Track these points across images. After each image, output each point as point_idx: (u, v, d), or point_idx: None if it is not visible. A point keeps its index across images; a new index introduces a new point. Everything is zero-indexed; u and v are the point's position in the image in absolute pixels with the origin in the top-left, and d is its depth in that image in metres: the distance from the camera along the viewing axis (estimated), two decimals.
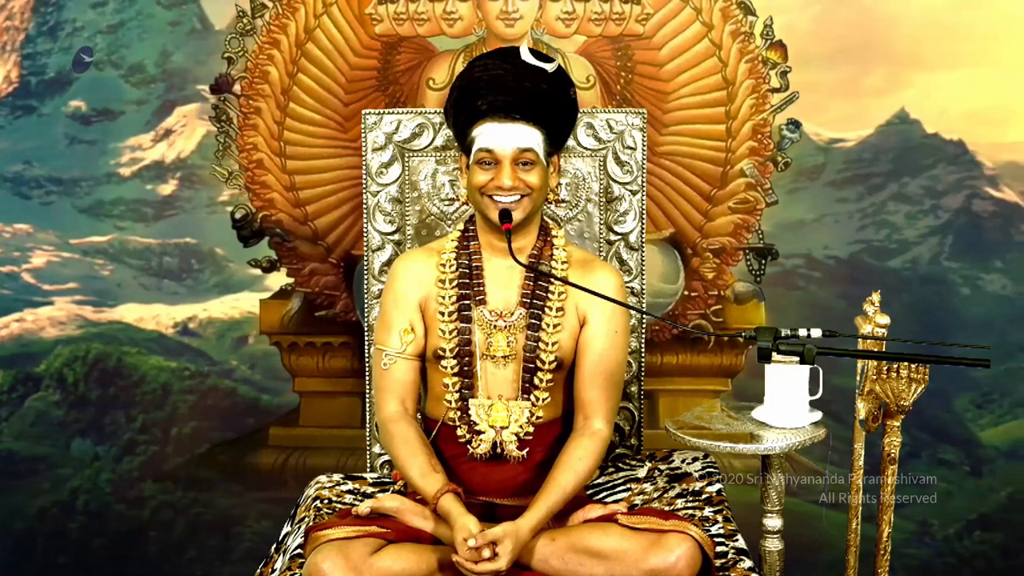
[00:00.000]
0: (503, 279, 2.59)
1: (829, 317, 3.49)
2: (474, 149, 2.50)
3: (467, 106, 2.50)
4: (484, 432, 2.54)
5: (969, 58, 3.46)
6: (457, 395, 2.56)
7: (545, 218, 2.64)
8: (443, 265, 2.59)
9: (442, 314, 2.56)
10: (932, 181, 3.55)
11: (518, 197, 2.49)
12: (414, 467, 2.46)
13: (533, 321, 2.56)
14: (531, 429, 2.55)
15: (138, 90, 3.60)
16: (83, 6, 3.59)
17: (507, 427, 2.54)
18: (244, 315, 3.64)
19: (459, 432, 2.56)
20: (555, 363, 2.55)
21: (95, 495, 3.68)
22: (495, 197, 2.49)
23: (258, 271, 3.59)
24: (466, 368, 2.56)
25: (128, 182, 3.62)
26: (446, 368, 2.56)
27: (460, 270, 2.59)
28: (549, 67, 2.52)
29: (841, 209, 3.55)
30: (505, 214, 2.48)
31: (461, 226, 2.65)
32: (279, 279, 3.59)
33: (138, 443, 3.67)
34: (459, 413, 2.56)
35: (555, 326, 2.55)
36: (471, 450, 2.55)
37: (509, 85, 2.48)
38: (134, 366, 3.66)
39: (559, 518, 2.50)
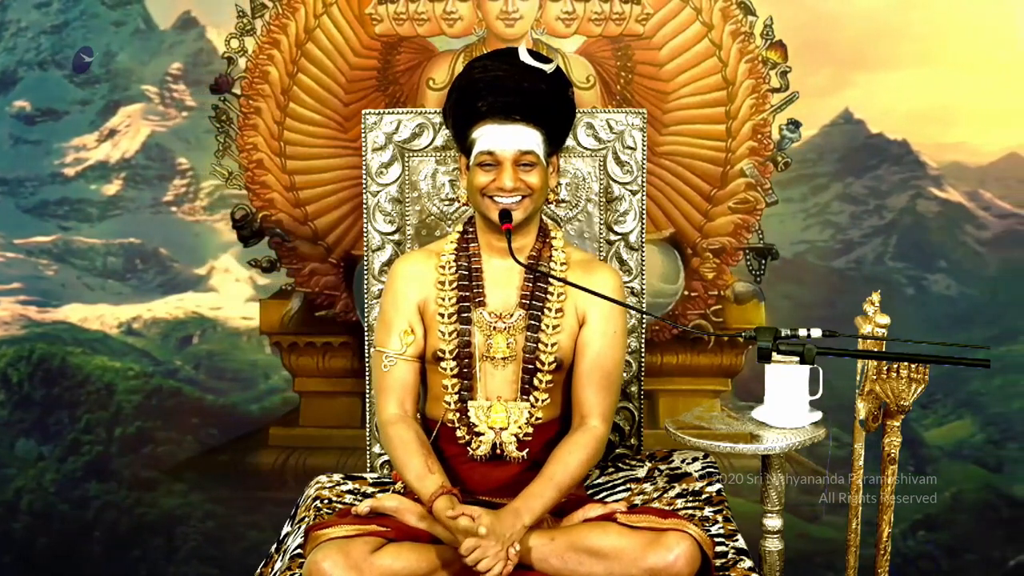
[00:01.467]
0: (502, 280, 2.59)
1: (775, 319, 3.52)
2: (475, 151, 2.50)
3: (467, 107, 2.50)
4: (484, 433, 2.54)
5: (912, 58, 3.46)
6: (456, 396, 2.56)
7: (544, 219, 2.64)
8: (442, 267, 2.59)
9: (442, 316, 2.57)
10: (876, 181, 3.55)
11: (519, 198, 2.49)
12: (411, 469, 2.46)
13: (532, 322, 2.56)
14: (530, 430, 2.55)
15: (82, 90, 3.61)
16: (27, 6, 3.59)
17: (506, 428, 2.54)
18: (189, 315, 3.66)
19: (458, 433, 2.56)
20: (554, 364, 2.55)
21: (39, 495, 3.69)
22: (496, 198, 2.49)
23: (203, 271, 3.60)
24: (465, 370, 2.56)
25: (72, 182, 3.63)
26: (445, 370, 2.56)
27: (459, 271, 2.59)
28: (548, 68, 2.52)
29: (785, 209, 3.55)
30: (505, 214, 2.48)
31: (460, 227, 2.65)
32: (223, 281, 3.60)
33: (82, 443, 3.67)
34: (458, 415, 2.56)
35: (554, 327, 2.56)
36: (471, 451, 2.55)
37: (509, 86, 2.47)
38: (78, 366, 3.67)
39: (558, 517, 2.50)
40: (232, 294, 3.64)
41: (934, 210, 3.56)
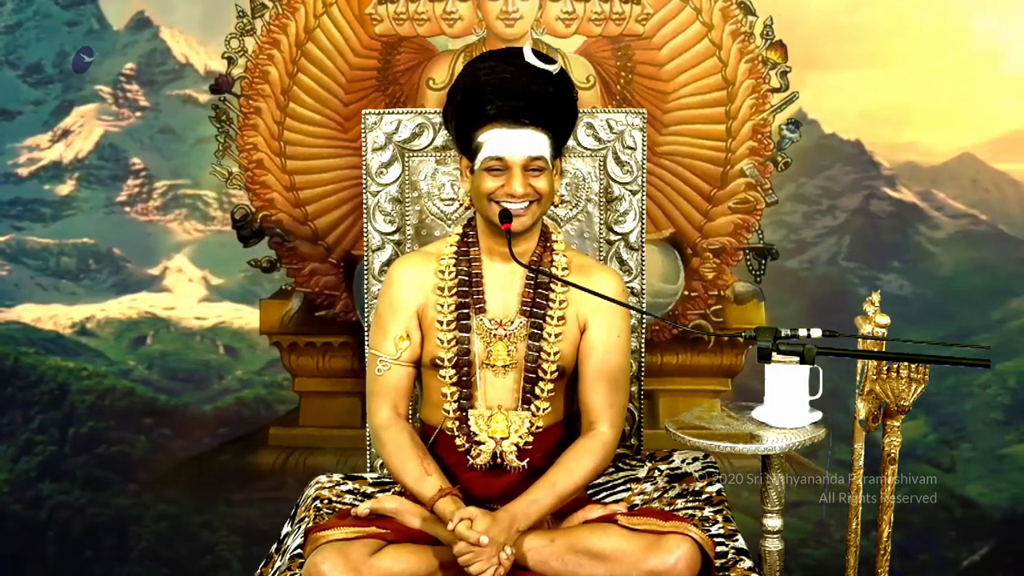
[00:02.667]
0: (503, 285, 2.57)
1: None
2: (482, 155, 2.46)
3: (473, 110, 2.45)
4: (484, 443, 2.52)
5: (865, 59, 3.46)
6: (456, 405, 2.54)
7: (545, 221, 2.62)
8: (442, 272, 2.57)
9: (440, 323, 2.54)
10: (829, 181, 3.55)
11: (527, 203, 2.47)
12: (408, 473, 2.46)
13: (535, 331, 2.53)
14: (531, 439, 2.53)
15: (36, 90, 3.62)
16: None
17: (507, 437, 2.52)
18: (142, 315, 3.66)
19: (458, 442, 2.54)
20: (556, 373, 2.53)
21: None
22: (505, 204, 2.46)
23: (157, 271, 3.61)
24: (464, 378, 2.54)
25: (26, 182, 3.63)
26: (444, 377, 2.54)
27: (459, 277, 2.56)
28: (553, 69, 2.48)
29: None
30: (505, 214, 2.46)
31: (459, 229, 2.63)
32: (177, 281, 3.61)
33: (36, 443, 3.68)
34: (458, 423, 2.54)
35: (557, 335, 2.53)
36: (471, 460, 2.53)
37: (518, 90, 2.43)
38: (32, 366, 3.67)
39: (558, 518, 2.50)
40: (185, 294, 3.65)
41: (887, 210, 3.57)
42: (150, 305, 3.65)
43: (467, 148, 2.50)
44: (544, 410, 2.53)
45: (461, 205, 2.79)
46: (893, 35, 3.44)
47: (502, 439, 2.52)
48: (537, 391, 2.53)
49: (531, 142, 2.45)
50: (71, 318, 3.67)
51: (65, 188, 3.63)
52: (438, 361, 2.54)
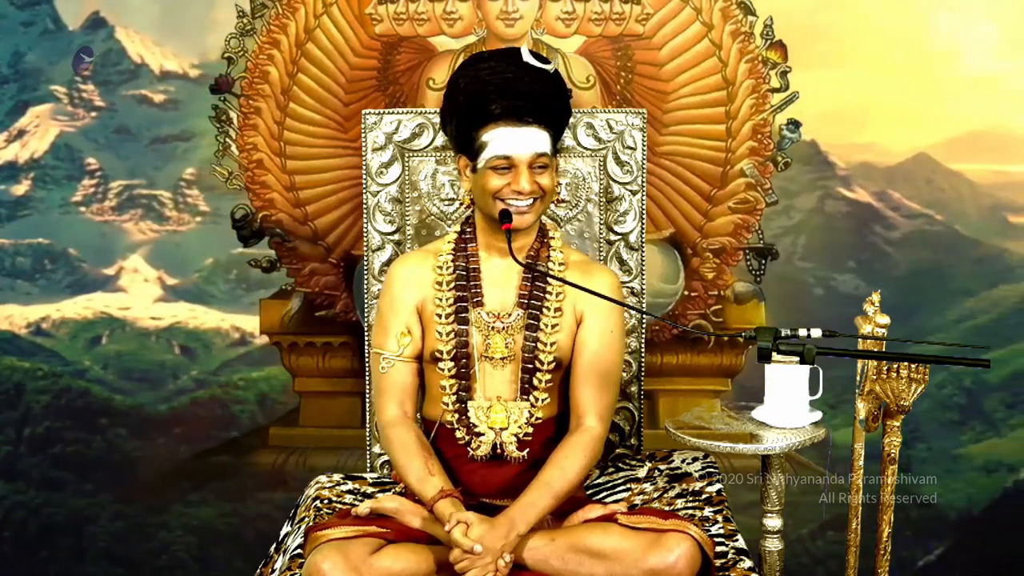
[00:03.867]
0: (501, 280, 2.59)
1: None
2: (487, 154, 2.47)
3: (476, 110, 2.47)
4: (484, 434, 2.54)
5: (822, 59, 3.46)
6: (455, 397, 2.56)
7: (543, 218, 2.64)
8: (440, 267, 2.59)
9: (439, 316, 2.56)
10: (786, 181, 3.54)
11: (531, 201, 2.49)
12: (412, 472, 2.47)
13: (531, 322, 2.56)
14: (530, 430, 2.55)
15: None
16: None
17: (506, 428, 2.54)
18: (97, 315, 3.66)
19: (458, 434, 2.56)
20: (553, 363, 2.55)
21: None
22: (511, 201, 2.48)
23: (112, 271, 3.61)
24: (463, 370, 2.56)
25: None
26: (443, 370, 2.56)
27: (457, 272, 2.59)
28: (549, 68, 2.53)
29: None
30: (505, 214, 2.48)
31: (458, 227, 2.65)
32: (132, 281, 3.62)
33: None
34: (457, 415, 2.56)
35: (553, 326, 2.55)
36: (471, 452, 2.54)
37: (522, 89, 2.47)
38: None
39: (558, 518, 2.50)
40: (141, 294, 3.65)
41: (843, 210, 3.56)
42: (105, 305, 3.65)
43: (468, 147, 2.51)
44: (543, 401, 2.55)
45: (461, 204, 2.79)
46: (851, 37, 3.44)
47: (502, 430, 2.54)
48: (535, 382, 2.55)
49: (535, 139, 2.47)
50: (26, 318, 3.67)
51: (20, 188, 3.63)
52: (437, 354, 2.56)
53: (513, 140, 2.46)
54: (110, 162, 3.60)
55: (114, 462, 3.66)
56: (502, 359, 2.56)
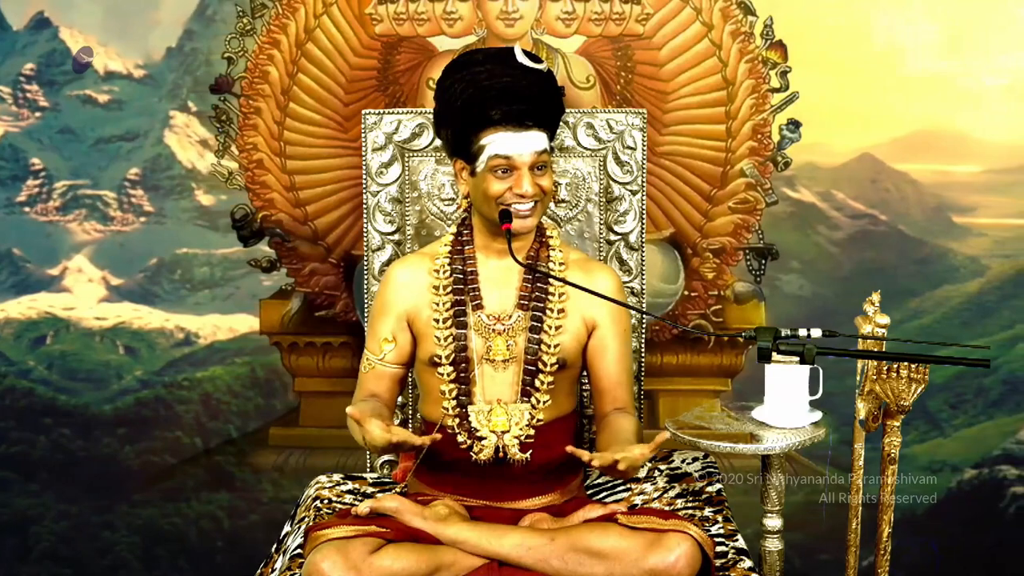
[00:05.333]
0: (499, 281, 2.59)
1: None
2: (486, 157, 2.47)
3: (475, 115, 2.47)
4: (486, 438, 2.53)
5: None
6: (455, 401, 2.55)
7: (542, 219, 2.63)
8: (436, 271, 2.59)
9: (437, 321, 2.56)
10: None
11: (533, 204, 2.50)
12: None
13: (534, 323, 2.55)
14: (532, 432, 2.54)
15: None
16: None
17: (508, 431, 2.54)
18: (42, 315, 3.66)
19: (459, 439, 2.56)
20: (556, 365, 2.55)
21: None
22: (515, 206, 2.48)
23: (56, 272, 3.60)
24: (463, 374, 2.55)
25: None
26: (443, 374, 2.55)
27: (454, 275, 2.58)
28: (543, 67, 2.52)
29: None
30: (505, 213, 2.48)
31: (454, 229, 2.65)
32: (76, 281, 3.61)
33: None
34: (458, 420, 2.56)
35: (557, 327, 2.55)
36: (474, 456, 2.54)
37: (522, 94, 2.47)
38: None
39: (558, 517, 2.50)
40: (85, 294, 3.65)
41: (787, 211, 3.55)
42: (50, 305, 3.64)
43: (465, 151, 2.51)
44: (544, 403, 2.55)
45: (462, 208, 2.79)
46: (795, 37, 3.43)
47: (503, 432, 2.53)
48: (537, 383, 2.54)
49: (535, 142, 2.48)
50: None
51: None
52: (436, 359, 2.55)
53: (514, 143, 2.46)
54: (54, 162, 3.60)
55: (58, 462, 3.66)
56: (503, 361, 2.55)
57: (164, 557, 3.68)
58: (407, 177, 2.96)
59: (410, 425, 2.98)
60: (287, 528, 2.74)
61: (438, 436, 2.43)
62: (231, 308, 3.64)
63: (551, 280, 2.55)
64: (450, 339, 2.55)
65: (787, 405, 2.77)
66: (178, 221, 3.62)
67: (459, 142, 2.52)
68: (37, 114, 3.61)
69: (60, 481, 3.67)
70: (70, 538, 3.64)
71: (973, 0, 3.44)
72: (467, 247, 2.60)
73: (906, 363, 2.73)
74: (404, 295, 2.60)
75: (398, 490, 2.64)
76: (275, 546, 2.72)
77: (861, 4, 3.43)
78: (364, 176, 2.97)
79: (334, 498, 2.74)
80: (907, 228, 3.58)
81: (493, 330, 2.56)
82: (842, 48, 3.45)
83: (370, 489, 2.80)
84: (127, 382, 3.67)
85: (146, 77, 3.57)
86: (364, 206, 2.97)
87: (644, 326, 3.00)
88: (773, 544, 2.81)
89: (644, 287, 3.00)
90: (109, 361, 3.67)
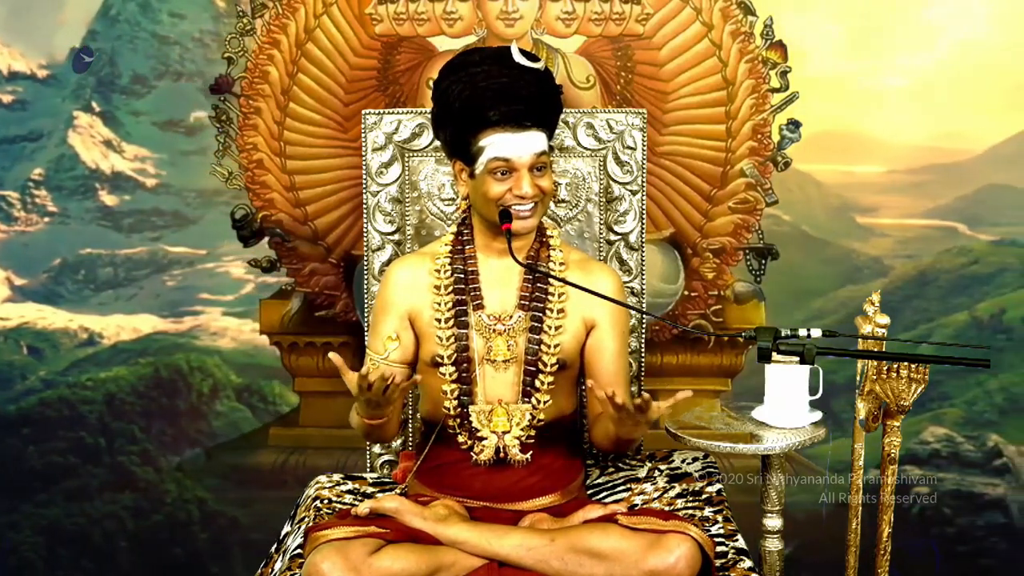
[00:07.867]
0: (500, 281, 2.59)
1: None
2: (484, 158, 2.47)
3: (473, 116, 2.46)
4: (486, 438, 2.54)
5: None
6: (456, 402, 2.55)
7: (542, 219, 2.63)
8: (437, 271, 2.59)
9: (438, 321, 2.56)
10: None
11: (533, 205, 2.49)
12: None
13: (535, 324, 2.55)
14: (532, 432, 2.55)
15: None
16: None
17: (509, 431, 2.54)
18: None
19: (460, 439, 2.56)
20: (556, 365, 2.55)
21: None
22: (515, 207, 2.48)
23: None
24: (464, 374, 2.55)
25: None
26: (444, 375, 2.55)
27: (455, 275, 2.58)
28: (540, 66, 2.51)
29: None
30: (505, 213, 2.48)
31: (454, 229, 2.65)
32: None
33: None
34: (459, 420, 2.56)
35: (557, 328, 2.55)
36: (474, 456, 2.54)
37: (521, 94, 2.46)
38: None
39: (558, 518, 2.50)
40: None
41: None
42: None
43: (464, 152, 2.51)
44: (545, 403, 2.55)
45: (461, 210, 2.79)
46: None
47: (504, 433, 2.53)
48: (537, 384, 2.54)
49: (535, 142, 2.48)
50: None
51: None
52: (437, 359, 2.55)
53: (513, 144, 2.46)
54: None
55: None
56: (504, 362, 2.55)
57: (67, 557, 3.68)
58: (407, 177, 2.96)
59: (410, 425, 2.98)
60: (287, 528, 2.74)
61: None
62: (135, 308, 3.63)
63: (551, 280, 2.55)
64: (452, 339, 2.55)
65: (787, 405, 2.77)
66: (82, 221, 3.61)
67: (458, 144, 2.52)
68: None
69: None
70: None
71: (876, 1, 3.45)
72: (467, 247, 2.60)
73: (906, 363, 2.73)
74: (406, 295, 2.60)
75: (398, 490, 2.64)
76: (275, 546, 2.72)
77: (765, 5, 3.42)
78: (364, 176, 2.97)
79: (334, 498, 2.74)
80: (810, 228, 3.58)
81: (494, 330, 2.56)
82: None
83: (370, 489, 2.80)
84: (31, 382, 3.66)
85: (50, 77, 3.55)
86: (364, 206, 2.97)
87: (644, 326, 3.00)
88: (773, 544, 2.81)
89: (644, 287, 3.00)
90: (13, 361, 3.66)
